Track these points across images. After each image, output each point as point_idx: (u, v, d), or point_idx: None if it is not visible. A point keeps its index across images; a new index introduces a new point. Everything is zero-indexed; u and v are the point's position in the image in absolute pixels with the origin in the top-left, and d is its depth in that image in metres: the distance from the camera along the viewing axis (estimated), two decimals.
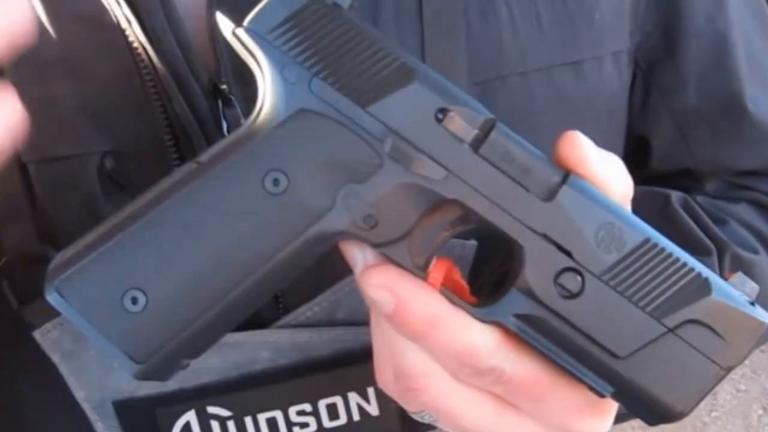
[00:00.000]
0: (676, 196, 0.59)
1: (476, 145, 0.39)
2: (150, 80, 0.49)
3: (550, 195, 0.39)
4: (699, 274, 0.38)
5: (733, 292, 0.39)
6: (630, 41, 0.57)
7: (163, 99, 0.49)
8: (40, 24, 0.50)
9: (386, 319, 0.38)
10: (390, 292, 0.38)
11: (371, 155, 0.39)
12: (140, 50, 0.49)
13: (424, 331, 0.38)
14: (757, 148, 0.62)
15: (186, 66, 0.49)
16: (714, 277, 0.39)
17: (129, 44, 0.49)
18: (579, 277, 0.38)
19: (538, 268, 0.38)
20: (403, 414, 0.51)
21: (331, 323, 0.51)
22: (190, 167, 0.40)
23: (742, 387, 2.49)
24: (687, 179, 0.62)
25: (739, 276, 0.40)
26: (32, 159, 0.51)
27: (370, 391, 0.51)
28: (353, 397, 0.51)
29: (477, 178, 0.39)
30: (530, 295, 0.39)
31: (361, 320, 0.50)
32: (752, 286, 0.40)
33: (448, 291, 0.39)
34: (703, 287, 0.38)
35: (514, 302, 0.39)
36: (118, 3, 0.49)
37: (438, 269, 0.39)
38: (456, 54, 0.51)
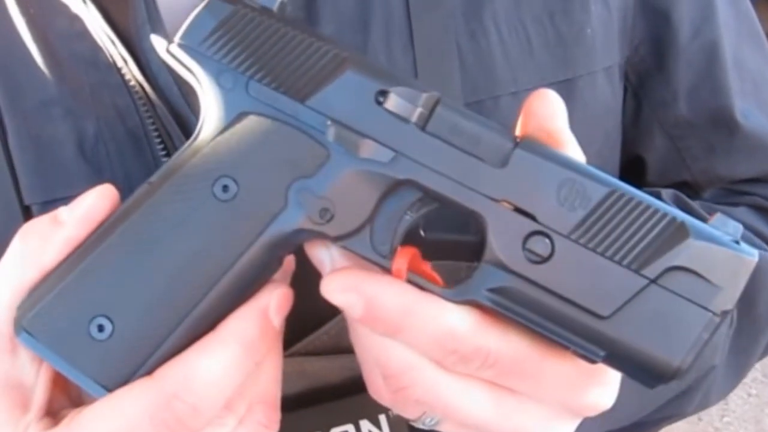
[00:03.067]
0: (666, 193, 0.59)
1: (422, 122, 0.39)
2: (149, 117, 0.50)
3: (504, 161, 0.38)
4: (674, 219, 0.37)
5: (714, 233, 0.37)
6: (620, 55, 0.57)
7: (162, 135, 0.50)
8: (40, 64, 0.51)
9: (359, 322, 0.38)
10: (355, 293, 0.37)
11: (317, 148, 0.39)
12: (138, 88, 0.49)
13: (399, 323, 0.37)
14: (753, 157, 0.62)
15: (183, 101, 0.49)
16: (692, 221, 0.37)
17: (126, 83, 0.50)
18: (547, 240, 0.37)
19: (503, 237, 0.38)
20: None
21: (340, 351, 0.51)
22: (143, 188, 0.40)
23: (754, 391, 2.48)
24: (684, 190, 0.62)
25: (719, 217, 0.38)
26: (35, 201, 0.51)
27: (382, 418, 0.51)
28: (365, 425, 0.51)
29: (427, 155, 0.38)
30: (500, 265, 0.38)
31: None
32: (735, 225, 0.38)
33: (417, 277, 0.39)
34: (679, 231, 0.37)
35: (485, 277, 0.38)
36: (113, 43, 0.49)
37: (401, 256, 0.39)
38: (449, 76, 0.52)
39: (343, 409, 0.51)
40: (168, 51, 0.41)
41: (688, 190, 0.63)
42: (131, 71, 0.49)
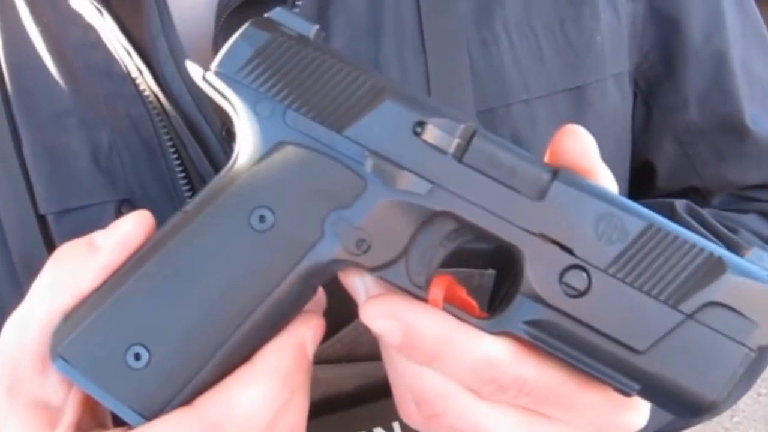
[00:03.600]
0: (680, 203, 0.59)
1: (459, 154, 0.38)
2: (163, 127, 0.50)
3: (542, 193, 0.38)
4: (711, 254, 0.37)
5: (751, 268, 0.37)
6: (629, 62, 0.58)
7: (177, 145, 0.50)
8: (54, 74, 0.51)
9: (396, 350, 0.38)
10: (394, 320, 0.37)
11: (354, 179, 0.39)
12: (152, 98, 0.50)
13: (437, 352, 0.37)
14: (763, 163, 0.62)
15: (198, 111, 0.49)
16: (729, 255, 0.37)
17: (140, 93, 0.50)
18: (584, 274, 0.37)
19: (540, 270, 0.37)
20: None
21: (353, 359, 0.51)
22: (178, 217, 0.40)
23: (763, 391, 2.48)
24: (693, 197, 0.63)
25: (756, 251, 0.38)
26: (50, 210, 0.52)
27: (396, 425, 0.51)
28: None
29: (464, 187, 0.38)
30: (536, 299, 0.37)
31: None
32: None
33: (452, 307, 0.39)
34: (717, 267, 0.37)
35: (521, 309, 0.38)
36: (129, 54, 0.49)
37: (437, 286, 0.39)
38: (461, 84, 0.52)
39: (356, 417, 0.51)
40: (204, 78, 0.41)
41: (697, 196, 0.63)
42: (146, 81, 0.50)
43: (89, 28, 0.50)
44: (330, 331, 0.51)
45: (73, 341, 0.38)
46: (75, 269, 0.39)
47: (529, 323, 0.38)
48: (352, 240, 0.39)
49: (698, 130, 0.61)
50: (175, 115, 0.49)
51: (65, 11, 0.51)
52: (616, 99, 0.57)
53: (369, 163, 0.39)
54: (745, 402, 2.44)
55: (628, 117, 0.59)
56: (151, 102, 0.50)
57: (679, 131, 0.61)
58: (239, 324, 0.38)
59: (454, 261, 0.46)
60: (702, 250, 0.37)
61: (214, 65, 0.40)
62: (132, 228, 0.39)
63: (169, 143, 0.50)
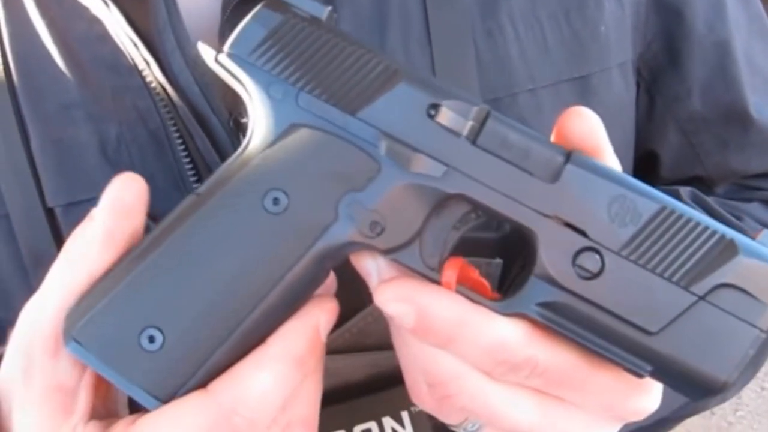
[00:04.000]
0: (684, 191, 0.59)
1: (473, 136, 0.38)
2: (170, 118, 0.50)
3: (555, 176, 0.38)
4: (723, 236, 0.37)
5: (763, 250, 0.37)
6: (633, 51, 0.58)
7: (184, 135, 0.50)
8: (61, 68, 0.52)
9: (410, 333, 0.38)
10: (408, 303, 0.38)
11: (368, 161, 0.39)
12: (159, 90, 0.50)
13: (451, 334, 0.37)
14: (766, 152, 0.62)
15: (205, 102, 0.49)
16: (740, 237, 0.37)
17: (147, 85, 0.50)
18: (597, 256, 0.37)
19: (554, 252, 0.38)
20: None
21: (362, 348, 0.51)
22: (191, 200, 0.40)
23: (767, 385, 2.48)
24: (697, 186, 0.63)
25: (766, 233, 0.38)
26: (58, 203, 0.52)
27: (404, 414, 0.52)
28: (387, 422, 0.52)
29: (478, 169, 0.38)
30: (550, 280, 0.38)
31: (391, 344, 0.51)
32: None
33: (465, 289, 0.39)
34: (729, 249, 0.37)
35: (534, 291, 0.38)
36: (136, 45, 0.49)
37: (450, 267, 0.39)
38: (467, 74, 0.52)
39: (366, 406, 0.52)
40: (217, 60, 0.41)
41: (701, 185, 0.63)
42: (153, 73, 0.50)
43: (95, 21, 0.51)
44: (338, 322, 0.51)
45: (87, 324, 0.38)
46: (83, 245, 0.39)
47: (542, 305, 0.38)
48: (366, 222, 0.38)
49: (702, 119, 0.61)
50: (182, 105, 0.49)
51: (71, 4, 0.51)
52: (621, 88, 0.57)
53: (383, 146, 0.39)
54: (749, 396, 2.44)
55: (632, 106, 0.60)
56: (158, 94, 0.50)
57: (683, 120, 0.61)
58: (253, 306, 0.38)
59: (462, 251, 0.46)
60: (714, 232, 0.37)
61: (226, 47, 0.40)
62: (119, 188, 0.40)
63: (177, 134, 0.50)
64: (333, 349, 0.51)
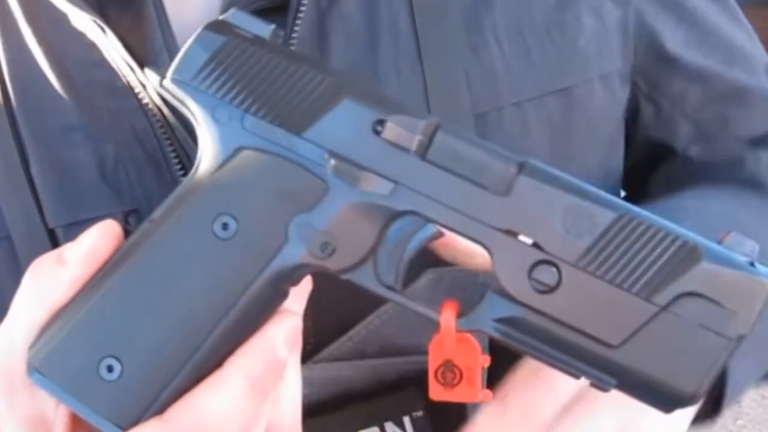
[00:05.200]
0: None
1: (422, 151, 0.38)
2: (167, 139, 0.51)
3: (508, 188, 0.37)
4: (685, 242, 0.36)
5: (728, 255, 0.36)
6: (623, 62, 0.59)
7: (180, 156, 0.51)
8: (59, 91, 0.52)
9: None
10: None
11: (315, 182, 0.38)
12: (155, 111, 0.51)
13: None
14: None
15: None
16: (704, 243, 0.36)
17: (143, 106, 0.51)
18: (554, 269, 0.36)
19: (508, 267, 0.37)
20: None
21: (364, 356, 0.52)
22: (144, 227, 0.39)
23: (767, 393, 2.48)
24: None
25: (734, 236, 0.37)
26: (59, 224, 0.52)
27: (406, 420, 0.52)
28: (390, 427, 0.52)
29: (428, 185, 0.37)
30: (506, 296, 0.37)
31: (393, 351, 0.52)
32: (751, 246, 0.37)
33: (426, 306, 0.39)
34: (691, 255, 0.36)
35: (492, 307, 0.37)
36: (132, 69, 0.50)
37: (448, 309, 0.39)
38: (458, 90, 0.53)
39: (368, 412, 0.52)
40: (162, 86, 0.41)
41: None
42: (149, 95, 0.50)
43: (92, 47, 0.51)
44: (340, 330, 0.52)
45: (48, 355, 0.38)
46: (47, 284, 0.39)
47: (500, 321, 0.37)
48: (317, 243, 0.38)
49: (706, 99, 0.61)
50: (178, 126, 0.50)
51: (67, 30, 0.52)
52: (603, 99, 0.58)
53: (330, 165, 0.38)
54: (750, 405, 2.43)
55: (619, 116, 0.60)
56: (154, 115, 0.51)
57: (692, 109, 0.61)
58: (209, 332, 0.38)
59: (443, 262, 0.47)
60: (676, 238, 0.36)
61: (169, 72, 0.40)
62: (96, 240, 0.40)
63: (173, 155, 0.51)
64: (335, 357, 0.51)
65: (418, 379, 0.51)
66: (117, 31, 0.50)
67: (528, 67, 0.54)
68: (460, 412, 0.52)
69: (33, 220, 0.52)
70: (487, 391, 0.42)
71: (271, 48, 0.40)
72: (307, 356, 0.52)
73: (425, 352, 0.52)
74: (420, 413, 0.52)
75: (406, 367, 0.52)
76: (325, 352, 0.51)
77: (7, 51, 0.54)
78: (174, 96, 0.40)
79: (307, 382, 0.51)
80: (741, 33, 0.64)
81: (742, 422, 2.40)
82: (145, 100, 0.51)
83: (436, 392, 0.41)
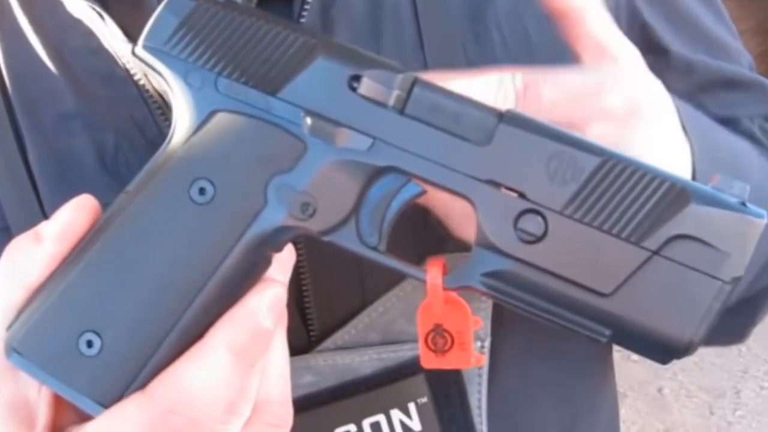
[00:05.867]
0: None
1: (400, 105, 0.37)
2: (168, 126, 0.51)
3: (488, 138, 0.36)
4: (673, 185, 0.35)
5: (718, 196, 0.35)
6: None
7: None
8: (57, 80, 0.52)
9: None
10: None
11: (293, 141, 0.38)
12: (156, 98, 0.51)
13: None
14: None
15: None
16: (693, 185, 0.35)
17: (143, 94, 0.51)
18: (539, 218, 0.36)
19: (493, 218, 0.36)
20: (445, 428, 0.53)
21: (368, 344, 0.52)
22: (120, 198, 0.39)
23: (767, 385, 2.48)
24: None
25: (722, 178, 0.36)
26: None
27: (412, 406, 0.52)
28: (396, 414, 0.52)
29: (407, 139, 0.37)
30: (492, 248, 0.36)
31: (396, 339, 0.52)
32: (741, 186, 0.36)
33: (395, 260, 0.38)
34: (680, 197, 0.35)
35: (478, 261, 0.36)
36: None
37: (434, 266, 0.38)
38: None
39: (374, 400, 0.52)
40: (134, 54, 0.40)
41: None
42: (150, 82, 0.50)
43: (89, 35, 0.51)
44: (343, 319, 0.52)
45: (26, 335, 0.37)
46: (24, 263, 0.39)
47: (487, 275, 0.36)
48: (297, 205, 0.37)
49: (694, 90, 0.62)
50: None
51: (64, 18, 0.51)
52: None
53: (306, 124, 0.37)
54: (749, 396, 2.44)
55: None
56: (155, 102, 0.51)
57: (696, 92, 0.61)
58: (189, 301, 0.37)
59: (432, 246, 0.47)
60: (663, 181, 0.35)
61: (141, 39, 0.40)
62: (72, 215, 0.39)
63: None
64: (339, 346, 0.52)
65: (422, 366, 0.52)
66: (116, 18, 0.50)
67: (530, 56, 0.54)
68: (463, 397, 0.53)
69: (32, 210, 0.52)
70: (480, 356, 0.42)
71: (243, 10, 0.39)
72: (311, 346, 0.52)
73: None
74: (425, 399, 0.52)
75: (410, 353, 0.52)
76: (329, 341, 0.52)
77: (4, 39, 0.54)
78: (147, 63, 0.40)
79: (312, 371, 0.52)
80: (724, 29, 0.65)
81: (740, 413, 2.40)
82: (146, 87, 0.51)
83: (428, 360, 0.40)
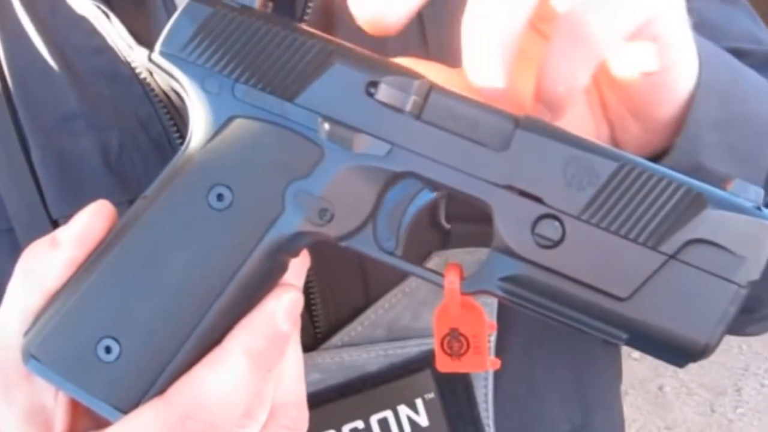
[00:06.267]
0: None
1: (417, 111, 0.37)
2: (173, 125, 0.50)
3: (506, 143, 0.36)
4: (689, 189, 0.35)
5: (733, 200, 0.35)
6: None
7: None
8: (60, 79, 0.52)
9: None
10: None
11: (310, 147, 0.38)
12: (161, 97, 0.50)
13: None
14: None
15: None
16: (708, 189, 0.35)
17: (147, 92, 0.50)
18: (557, 223, 0.36)
19: (510, 223, 0.36)
20: (452, 423, 0.53)
21: (374, 341, 0.52)
22: (138, 204, 0.39)
23: (767, 382, 2.49)
24: None
25: (737, 183, 0.36)
26: (62, 215, 0.52)
27: (419, 402, 0.52)
28: (403, 410, 0.52)
29: (424, 145, 0.37)
30: (510, 253, 0.36)
31: (402, 335, 0.52)
32: (756, 191, 0.36)
33: (429, 272, 0.38)
34: (696, 202, 0.35)
35: (496, 266, 0.36)
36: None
37: (452, 271, 0.38)
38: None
39: (381, 396, 0.52)
40: (151, 60, 0.40)
41: None
42: (155, 80, 0.50)
43: (93, 33, 0.51)
44: (349, 316, 0.52)
45: (43, 341, 0.37)
46: (41, 268, 0.38)
47: (504, 279, 0.36)
48: (315, 210, 0.37)
49: None
50: (185, 110, 0.49)
51: (67, 16, 0.51)
52: None
53: (324, 129, 0.37)
54: (749, 393, 2.45)
55: None
56: (160, 101, 0.50)
57: None
58: (208, 307, 0.37)
59: (466, 240, 0.47)
60: (679, 186, 0.35)
61: (158, 45, 0.40)
62: (90, 220, 0.39)
63: (179, 141, 0.50)
64: (345, 343, 0.52)
65: (429, 362, 0.52)
66: (120, 16, 0.50)
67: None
68: (470, 393, 0.53)
69: (36, 212, 0.52)
70: (496, 360, 0.42)
71: (259, 16, 0.39)
72: (317, 343, 0.52)
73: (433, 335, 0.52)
74: (432, 395, 0.52)
75: (416, 349, 0.52)
76: (336, 338, 0.51)
77: (5, 39, 0.53)
78: (163, 69, 0.40)
79: (318, 368, 0.51)
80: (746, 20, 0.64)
81: (741, 410, 2.41)
82: (152, 86, 0.50)
83: (444, 364, 0.40)
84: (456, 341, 0.40)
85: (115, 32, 0.50)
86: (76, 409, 0.39)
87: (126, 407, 0.37)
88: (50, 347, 0.37)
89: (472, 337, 0.40)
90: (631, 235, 0.35)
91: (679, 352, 0.36)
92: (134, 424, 0.36)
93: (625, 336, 0.36)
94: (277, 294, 0.38)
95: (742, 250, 0.35)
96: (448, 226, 0.50)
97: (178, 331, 0.37)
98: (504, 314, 0.52)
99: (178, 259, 0.37)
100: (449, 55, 0.53)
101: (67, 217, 0.51)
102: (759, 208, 0.36)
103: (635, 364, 2.44)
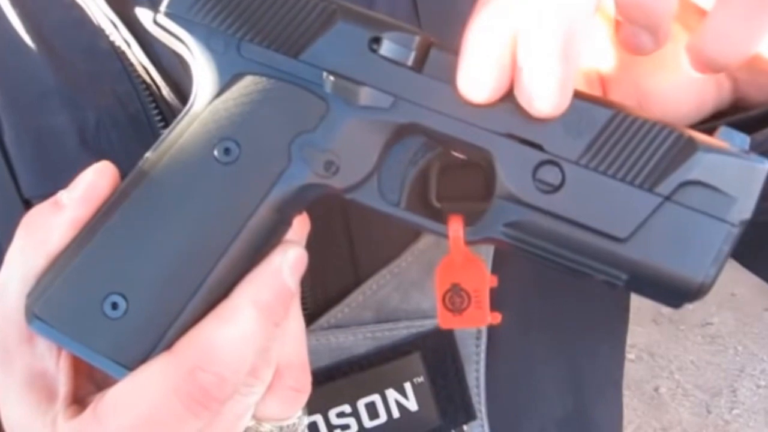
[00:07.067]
0: None
1: (418, 64, 0.38)
2: (152, 101, 0.49)
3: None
4: (681, 134, 0.37)
5: (722, 145, 0.37)
6: None
7: (167, 117, 0.49)
8: (36, 56, 0.50)
9: None
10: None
11: (315, 101, 0.39)
12: (140, 72, 0.49)
13: None
14: None
15: (189, 82, 0.49)
16: (698, 135, 0.37)
17: (126, 68, 0.49)
18: (557, 168, 0.37)
19: (512, 169, 0.37)
20: (442, 407, 0.52)
21: (361, 323, 0.51)
22: (142, 162, 0.39)
23: (763, 383, 2.48)
24: None
25: (724, 129, 0.38)
26: (36, 194, 0.50)
27: (407, 386, 0.51)
28: (391, 394, 0.51)
29: (426, 97, 0.38)
30: (512, 199, 0.37)
31: (391, 317, 0.51)
32: (742, 137, 0.38)
33: (433, 222, 0.39)
34: (688, 146, 0.37)
35: (499, 212, 0.38)
36: (116, 26, 0.49)
37: (455, 221, 0.39)
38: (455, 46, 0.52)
39: (369, 380, 0.51)
40: (155, 22, 0.41)
41: None
42: (135, 54, 0.49)
43: (72, 7, 0.50)
44: (336, 297, 0.51)
45: (48, 299, 0.37)
46: (43, 230, 0.38)
47: (508, 225, 0.38)
48: (320, 162, 0.38)
49: None
50: (165, 86, 0.49)
51: None
52: None
53: (329, 84, 0.38)
54: (745, 394, 2.45)
55: None
56: (138, 77, 0.49)
57: None
58: (215, 261, 0.37)
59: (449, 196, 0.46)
60: (671, 131, 0.37)
61: (163, 6, 0.40)
62: (94, 179, 0.39)
63: (158, 117, 0.49)
64: (333, 324, 0.51)
65: (418, 344, 0.51)
66: None
67: None
68: (461, 376, 0.52)
69: (8, 191, 0.50)
70: (496, 314, 0.43)
71: None
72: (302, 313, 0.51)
73: (423, 316, 0.51)
74: (421, 379, 0.51)
75: (405, 332, 0.51)
76: (323, 320, 0.51)
77: None
78: (168, 31, 0.41)
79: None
80: None
81: (737, 411, 2.41)
82: (131, 60, 0.49)
83: (445, 320, 0.42)
84: (457, 296, 0.42)
85: (94, 4, 0.49)
86: (78, 373, 0.38)
87: (133, 364, 0.36)
88: (55, 306, 0.37)
89: (474, 291, 0.42)
90: (628, 179, 0.37)
91: (676, 292, 0.37)
92: (143, 378, 0.36)
93: (624, 276, 0.37)
94: (282, 249, 0.39)
95: (734, 191, 0.36)
96: (438, 204, 0.50)
97: (186, 286, 0.37)
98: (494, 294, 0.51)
99: (186, 213, 0.38)
100: (439, 18, 0.52)
101: (42, 197, 0.50)
102: (746, 152, 0.37)
103: (630, 365, 2.44)
